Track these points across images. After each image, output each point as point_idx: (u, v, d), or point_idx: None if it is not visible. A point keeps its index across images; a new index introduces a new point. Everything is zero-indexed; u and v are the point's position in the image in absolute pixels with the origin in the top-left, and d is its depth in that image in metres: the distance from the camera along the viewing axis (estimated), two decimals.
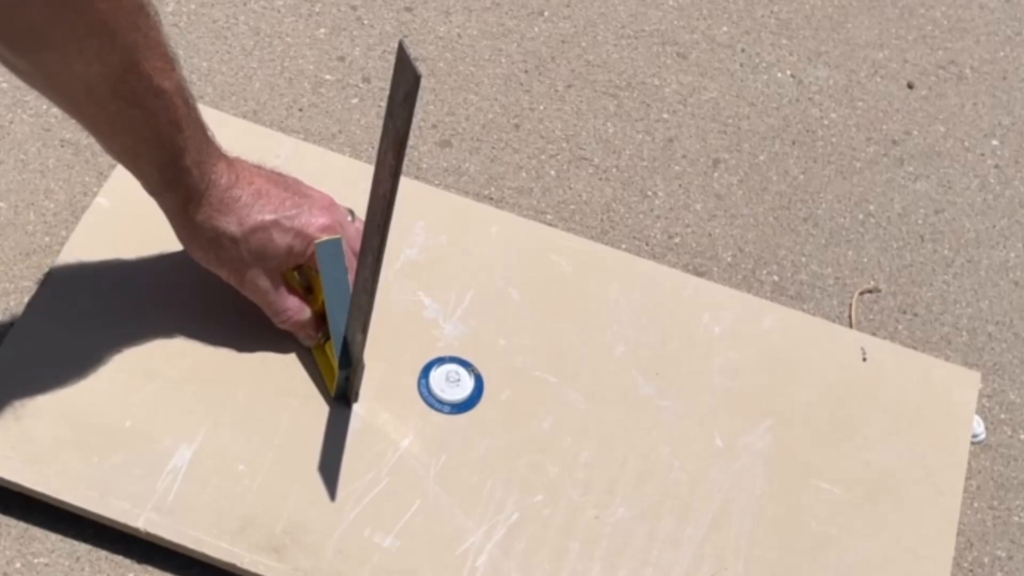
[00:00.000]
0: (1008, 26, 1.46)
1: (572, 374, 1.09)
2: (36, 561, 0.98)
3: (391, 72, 0.86)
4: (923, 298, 1.23)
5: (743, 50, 1.39)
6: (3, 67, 0.95)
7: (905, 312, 1.22)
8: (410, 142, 1.04)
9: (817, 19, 1.43)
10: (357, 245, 1.00)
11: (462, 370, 1.08)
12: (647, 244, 1.22)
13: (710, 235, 1.24)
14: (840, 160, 1.32)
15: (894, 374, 1.13)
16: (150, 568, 0.99)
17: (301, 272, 1.06)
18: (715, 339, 1.13)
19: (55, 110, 1.21)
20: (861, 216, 1.28)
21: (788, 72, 1.38)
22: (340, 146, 1.24)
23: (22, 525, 0.99)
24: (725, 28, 1.41)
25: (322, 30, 1.33)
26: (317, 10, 1.35)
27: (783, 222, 1.26)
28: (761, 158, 1.31)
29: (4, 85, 1.23)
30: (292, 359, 1.06)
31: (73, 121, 1.21)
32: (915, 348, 1.18)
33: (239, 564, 0.96)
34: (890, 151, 1.33)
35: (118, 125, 0.92)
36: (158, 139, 0.93)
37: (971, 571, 1.07)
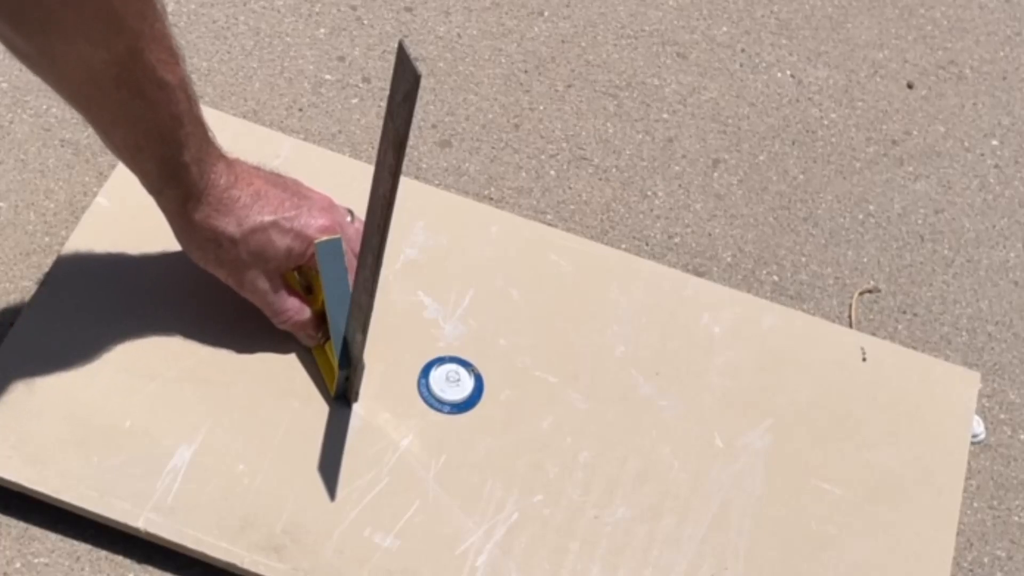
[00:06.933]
0: (1008, 26, 1.46)
1: (572, 374, 1.09)
2: (36, 561, 0.98)
3: (391, 72, 0.86)
4: (923, 298, 1.23)
5: (743, 50, 1.39)
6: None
7: (905, 312, 1.22)
8: (410, 142, 1.04)
9: (817, 19, 1.43)
10: (357, 245, 1.00)
11: (462, 370, 1.08)
12: (647, 244, 1.22)
13: (710, 235, 1.24)
14: (840, 160, 1.32)
15: (894, 374, 1.13)
16: (150, 568, 0.99)
17: (301, 272, 1.06)
18: (715, 339, 1.13)
19: (55, 110, 1.21)
20: (861, 216, 1.28)
21: (788, 72, 1.38)
22: (340, 146, 1.24)
23: (22, 525, 0.99)
24: (725, 28, 1.41)
25: (322, 30, 1.33)
26: (317, 10, 1.35)
27: (783, 222, 1.26)
28: (761, 158, 1.31)
29: (4, 85, 1.23)
30: (292, 359, 1.06)
31: (73, 121, 1.21)
32: (915, 348, 1.18)
33: (239, 564, 0.96)
34: (890, 151, 1.33)
35: (119, 116, 0.92)
36: (159, 132, 0.93)
37: (971, 571, 1.07)
